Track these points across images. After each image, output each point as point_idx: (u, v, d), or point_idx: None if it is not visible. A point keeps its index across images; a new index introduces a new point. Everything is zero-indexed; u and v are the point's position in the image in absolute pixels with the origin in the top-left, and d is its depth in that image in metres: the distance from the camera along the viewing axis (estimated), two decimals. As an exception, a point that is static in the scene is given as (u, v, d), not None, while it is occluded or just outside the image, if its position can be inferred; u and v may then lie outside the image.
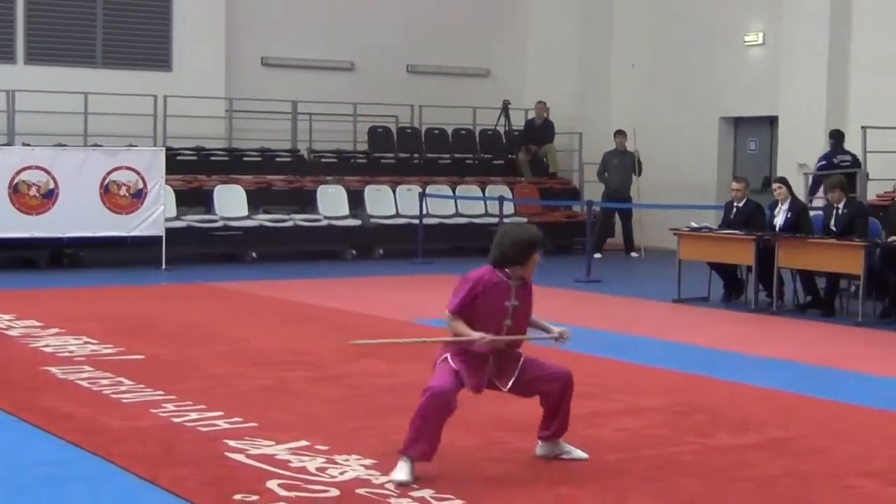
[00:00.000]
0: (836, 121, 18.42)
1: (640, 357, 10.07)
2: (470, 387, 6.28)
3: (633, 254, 19.97)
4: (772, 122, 19.97)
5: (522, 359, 6.42)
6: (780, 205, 13.74)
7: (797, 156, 18.32)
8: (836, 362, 10.24)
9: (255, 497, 5.72)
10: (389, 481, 5.94)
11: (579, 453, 6.53)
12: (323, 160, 20.39)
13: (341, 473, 6.15)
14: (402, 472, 5.99)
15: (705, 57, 20.91)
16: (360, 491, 5.85)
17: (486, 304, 6.25)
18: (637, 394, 8.51)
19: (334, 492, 5.84)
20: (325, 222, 18.89)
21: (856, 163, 16.68)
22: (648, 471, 6.32)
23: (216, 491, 5.83)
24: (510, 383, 6.37)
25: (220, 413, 7.48)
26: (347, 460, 6.40)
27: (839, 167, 16.54)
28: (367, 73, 21.60)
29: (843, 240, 12.81)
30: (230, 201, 18.38)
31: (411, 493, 5.81)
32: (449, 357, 6.27)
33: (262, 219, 18.54)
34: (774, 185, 13.99)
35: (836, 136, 17.31)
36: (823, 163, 17.07)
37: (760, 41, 20.34)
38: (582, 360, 9.86)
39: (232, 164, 19.47)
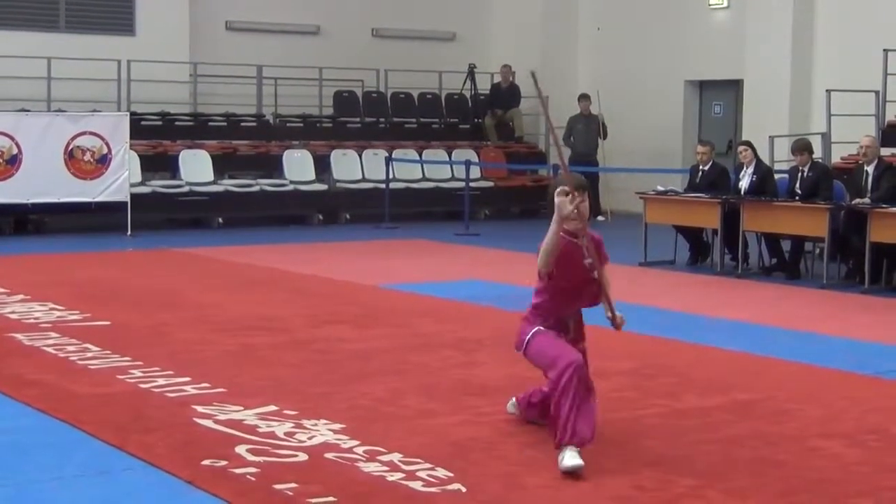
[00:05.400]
0: (801, 84, 18.49)
1: (606, 321, 10.08)
2: None
3: (600, 217, 19.98)
4: (737, 85, 20.00)
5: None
6: (745, 168, 13.79)
7: (762, 119, 18.36)
8: (801, 324, 10.31)
9: (223, 462, 5.72)
10: (563, 470, 5.60)
11: None
12: (288, 125, 20.30)
13: (310, 438, 6.16)
14: (571, 458, 5.62)
15: (671, 20, 20.90)
16: (329, 455, 5.86)
17: (567, 270, 5.97)
18: (604, 357, 8.52)
19: (303, 456, 5.85)
20: (291, 187, 18.84)
21: None
22: (616, 434, 6.35)
23: (185, 456, 5.83)
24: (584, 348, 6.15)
25: (188, 379, 7.48)
26: (316, 425, 6.41)
27: None
28: (332, 38, 21.48)
29: (807, 203, 12.88)
30: (195, 166, 18.29)
31: (379, 458, 5.82)
32: (541, 328, 6.03)
33: (228, 184, 18.46)
34: (740, 148, 14.05)
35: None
36: None
37: (725, 4, 20.34)
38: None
39: (197, 129, 19.34)
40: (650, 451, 6.06)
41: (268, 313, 10.24)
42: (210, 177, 18.31)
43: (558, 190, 5.79)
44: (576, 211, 5.80)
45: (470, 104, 21.99)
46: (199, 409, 6.73)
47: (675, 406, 7.09)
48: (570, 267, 5.96)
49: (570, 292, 6.02)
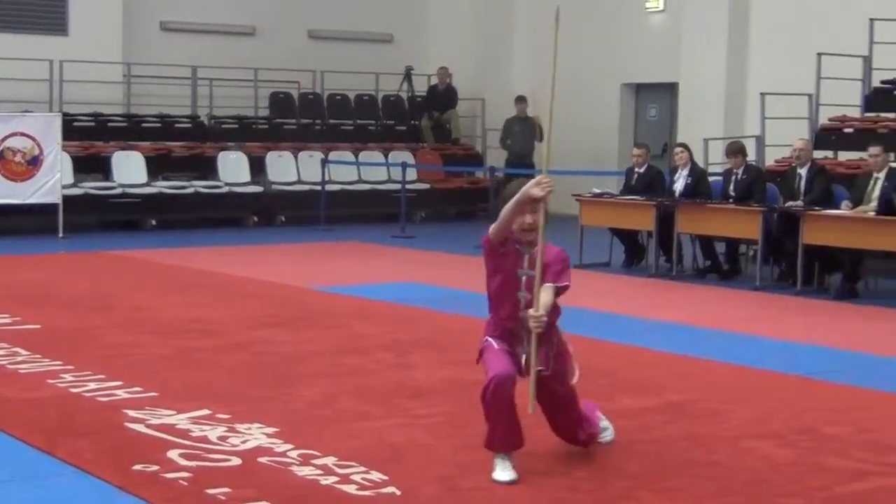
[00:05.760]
0: (736, 87, 18.64)
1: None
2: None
3: (536, 219, 20.03)
4: (672, 88, 20.12)
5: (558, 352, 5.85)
6: (680, 170, 13.88)
7: (697, 122, 18.48)
8: (734, 326, 10.39)
9: (155, 467, 5.66)
10: (494, 482, 5.56)
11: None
12: (223, 126, 20.15)
13: (243, 442, 6.12)
14: (501, 471, 5.60)
15: (607, 23, 20.98)
16: (262, 459, 5.82)
17: (498, 270, 5.79)
18: (539, 359, 8.55)
19: (236, 461, 5.80)
20: (225, 189, 18.73)
21: None
22: (549, 436, 6.33)
23: (115, 461, 5.76)
24: (548, 368, 5.76)
25: (120, 383, 7.40)
26: (249, 429, 6.36)
27: None
28: (268, 39, 21.36)
29: (741, 205, 12.98)
30: (129, 168, 18.12)
31: (313, 462, 5.78)
32: (489, 339, 5.83)
33: (162, 185, 18.31)
34: (676, 150, 14.13)
35: None
36: None
37: (661, 7, 20.46)
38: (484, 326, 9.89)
39: (130, 130, 19.16)
40: (584, 453, 6.07)
41: (201, 316, 10.16)
42: (144, 178, 18.16)
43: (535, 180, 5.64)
44: (529, 220, 5.75)
45: (406, 106, 21.98)
46: (131, 413, 6.65)
47: (609, 407, 7.08)
48: (503, 269, 5.81)
49: (500, 296, 5.84)
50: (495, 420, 5.63)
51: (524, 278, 5.74)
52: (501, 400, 5.59)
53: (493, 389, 5.57)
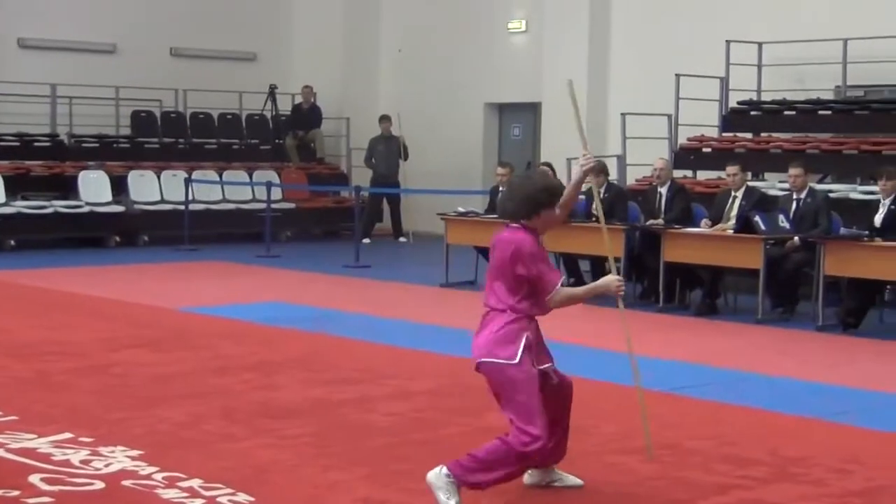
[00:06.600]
0: (597, 107, 18.90)
1: (408, 341, 10.14)
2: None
3: (402, 239, 20.09)
4: (535, 108, 20.34)
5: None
6: (543, 189, 14.01)
7: (560, 141, 18.70)
8: (597, 342, 10.50)
9: (16, 492, 5.54)
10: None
11: (573, 480, 5.91)
12: (84, 145, 19.84)
13: (106, 465, 6.02)
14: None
15: (470, 43, 21.15)
16: (126, 483, 5.74)
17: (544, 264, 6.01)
18: (405, 377, 8.58)
19: (99, 484, 5.71)
20: (87, 209, 18.41)
21: None
22: (417, 454, 6.37)
23: (-26, 488, 5.64)
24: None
25: (-22, 407, 7.24)
26: (113, 452, 6.26)
27: None
28: (129, 56, 21.09)
29: (603, 223, 13.14)
30: (-14, 188, 17.76)
31: (179, 484, 5.71)
32: (523, 351, 5.99)
33: (21, 205, 17.94)
34: (543, 170, 14.26)
35: None
36: None
37: (524, 28, 20.69)
38: (350, 345, 9.90)
39: (-12, 149, 18.79)
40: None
41: (62, 338, 9.97)
42: (2, 198, 17.78)
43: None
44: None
45: (271, 125, 21.87)
46: (-10, 437, 6.52)
47: (477, 424, 7.15)
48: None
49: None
50: (504, 474, 5.46)
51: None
52: (525, 463, 5.52)
53: (535, 452, 5.42)
